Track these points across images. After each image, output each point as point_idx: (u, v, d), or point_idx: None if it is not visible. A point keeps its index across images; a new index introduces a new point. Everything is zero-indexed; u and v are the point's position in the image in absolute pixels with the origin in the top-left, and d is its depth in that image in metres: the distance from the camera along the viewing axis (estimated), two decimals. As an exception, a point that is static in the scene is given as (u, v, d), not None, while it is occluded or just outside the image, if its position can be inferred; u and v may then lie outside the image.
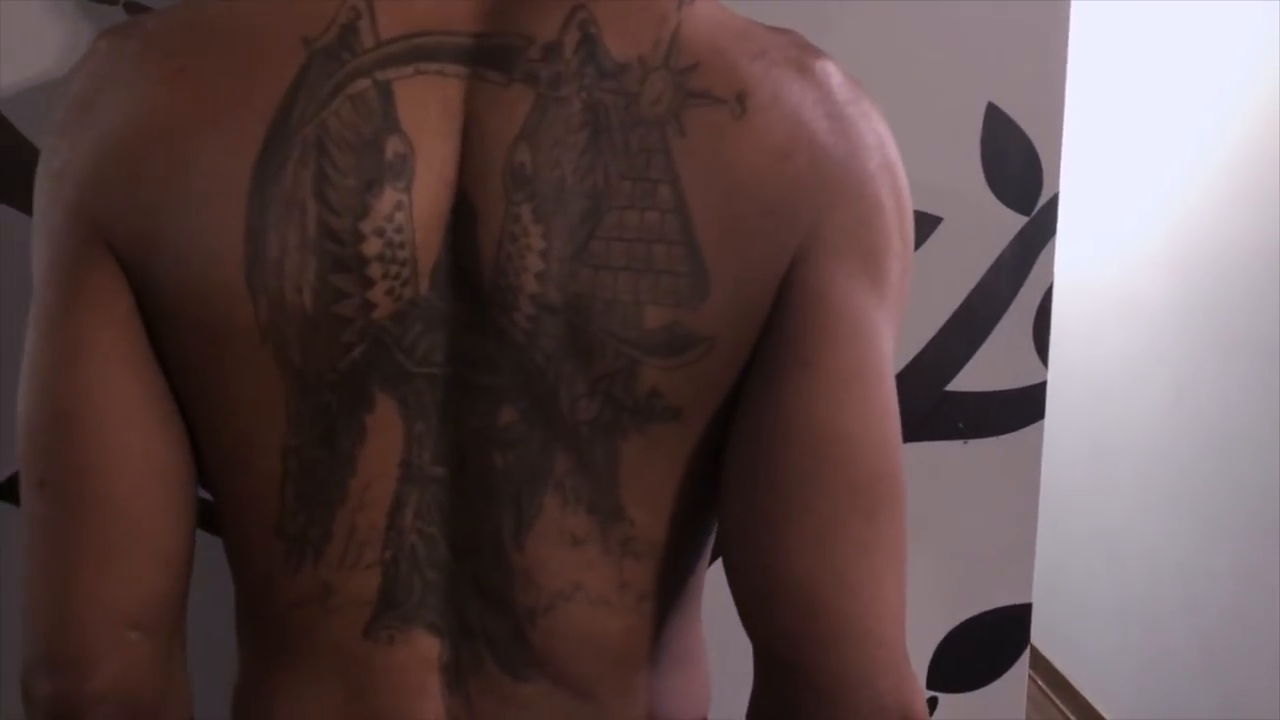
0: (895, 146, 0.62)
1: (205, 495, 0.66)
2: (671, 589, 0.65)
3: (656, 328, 0.57)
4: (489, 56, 0.57)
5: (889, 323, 0.60)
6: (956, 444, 1.02)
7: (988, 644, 1.06)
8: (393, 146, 0.57)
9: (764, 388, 0.58)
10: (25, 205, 0.94)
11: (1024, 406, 1.02)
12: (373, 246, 0.57)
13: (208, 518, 0.67)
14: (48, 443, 0.59)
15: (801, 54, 0.60)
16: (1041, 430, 1.03)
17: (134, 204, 0.57)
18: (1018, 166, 1.00)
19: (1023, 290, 1.01)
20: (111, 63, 0.60)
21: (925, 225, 0.98)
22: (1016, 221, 1.01)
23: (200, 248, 0.57)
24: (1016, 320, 1.01)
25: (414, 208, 0.57)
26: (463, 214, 0.58)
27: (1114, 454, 2.54)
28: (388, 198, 0.57)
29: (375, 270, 0.57)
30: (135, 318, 0.59)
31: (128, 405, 0.59)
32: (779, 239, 0.57)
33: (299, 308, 0.57)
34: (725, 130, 0.57)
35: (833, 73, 0.60)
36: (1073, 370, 2.61)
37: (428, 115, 0.57)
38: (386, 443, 0.60)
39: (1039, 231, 1.01)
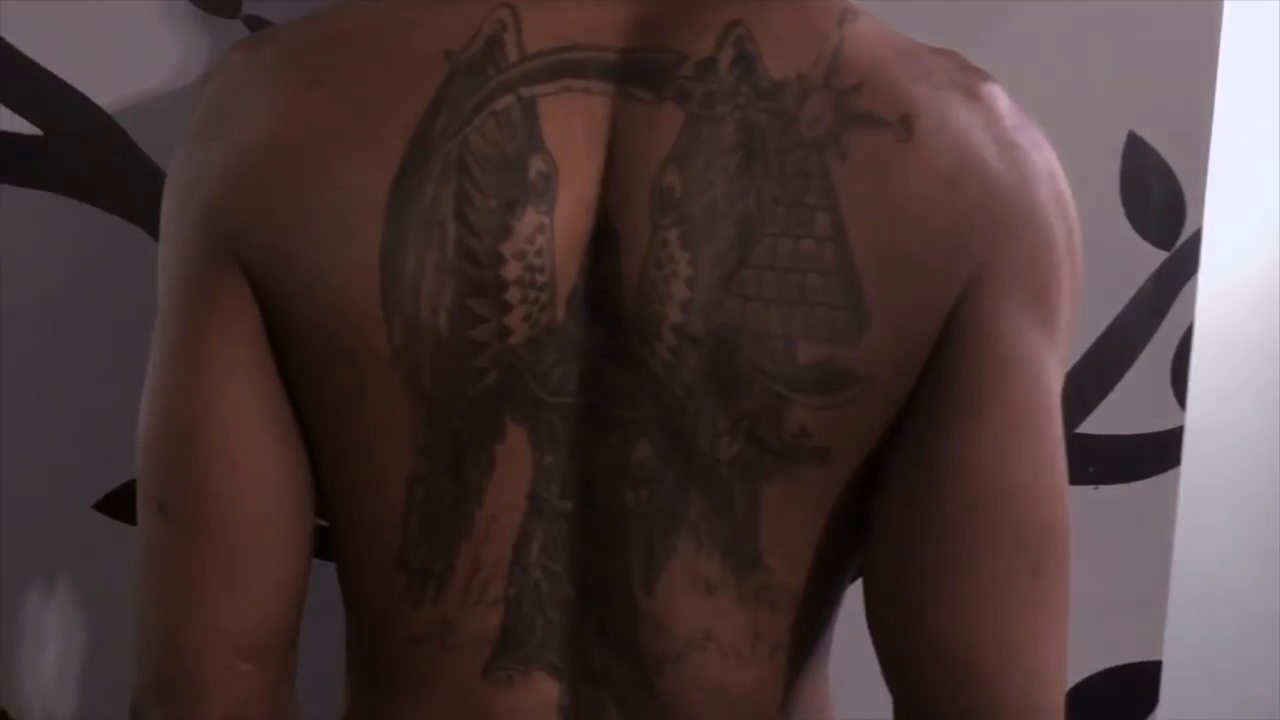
0: (1064, 177, 0.58)
1: (320, 521, 0.64)
2: (806, 641, 0.61)
3: (809, 364, 0.53)
4: (638, 73, 0.55)
5: (1059, 366, 0.55)
6: (1086, 489, 0.97)
7: (1114, 702, 1.00)
8: (536, 166, 0.54)
9: (924, 433, 0.54)
10: (141, 220, 0.94)
11: (1159, 452, 0.97)
12: (512, 270, 0.54)
13: (320, 544, 0.65)
14: (168, 463, 0.57)
15: (968, 76, 0.56)
16: (1177, 477, 0.97)
17: (266, 219, 0.55)
18: (1159, 199, 0.95)
19: (1161, 329, 0.96)
20: (246, 74, 0.58)
21: (1059, 259, 0.94)
22: (1156, 257, 0.95)
23: (334, 266, 0.54)
24: (1153, 361, 0.96)
25: (555, 230, 0.54)
26: (604, 238, 0.55)
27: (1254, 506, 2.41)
28: (529, 219, 0.54)
29: (514, 294, 0.54)
30: (262, 336, 0.57)
31: (252, 427, 0.57)
32: (945, 273, 0.54)
33: (434, 332, 0.54)
34: (889, 155, 0.53)
35: (1000, 97, 0.57)
36: (1211, 415, 2.47)
37: (572, 133, 0.54)
38: (515, 474, 0.57)
39: (1180, 268, 0.96)
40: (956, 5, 0.92)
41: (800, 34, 0.54)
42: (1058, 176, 0.57)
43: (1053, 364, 0.55)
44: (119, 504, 0.98)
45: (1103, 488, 0.97)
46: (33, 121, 0.93)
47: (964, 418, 0.53)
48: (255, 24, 0.92)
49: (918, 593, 0.54)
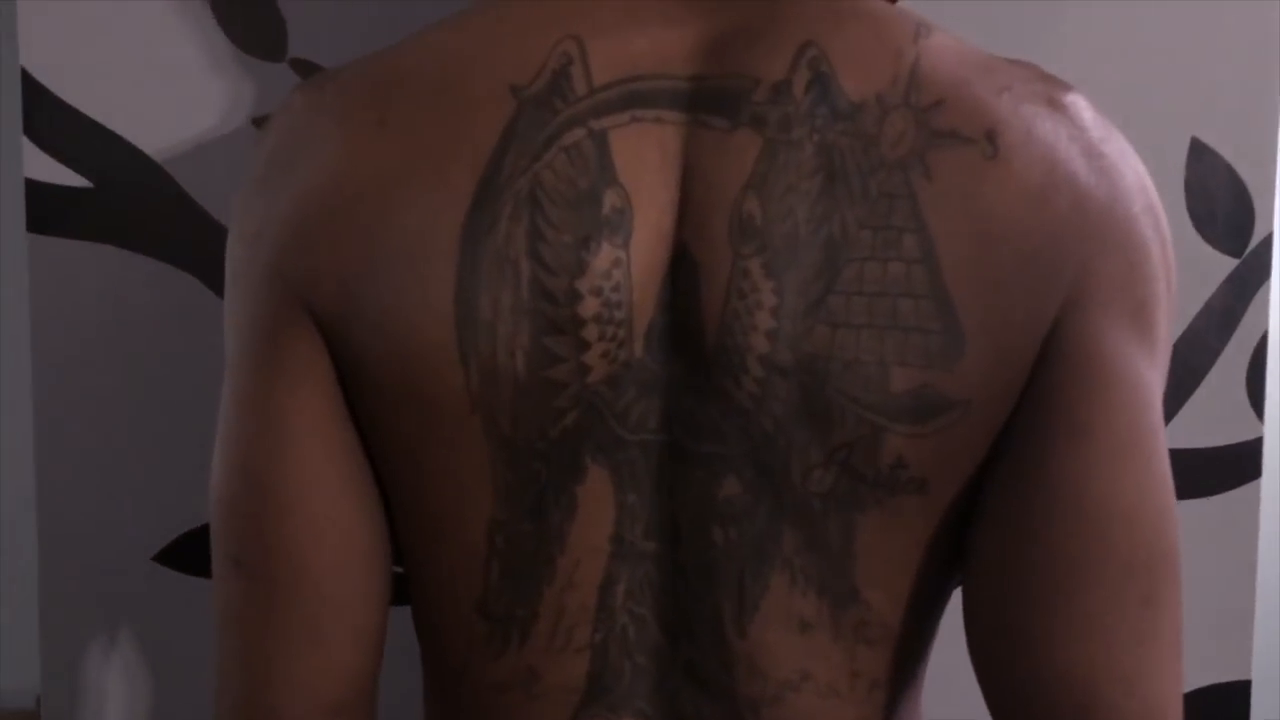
0: (1154, 187, 0.56)
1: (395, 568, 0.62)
2: (904, 677, 0.59)
3: (904, 391, 0.51)
4: (710, 100, 0.53)
5: (1160, 383, 0.53)
6: (1165, 506, 0.94)
7: (1203, 725, 0.97)
8: (610, 200, 0.53)
9: (1026, 458, 0.52)
10: (192, 267, 0.94)
11: (1238, 464, 0.94)
12: (589, 307, 0.52)
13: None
14: (244, 518, 0.56)
15: (1050, 87, 0.54)
16: (1258, 490, 0.94)
17: (335, 264, 0.54)
18: (1226, 205, 0.92)
19: (1234, 339, 0.93)
20: (308, 117, 0.57)
21: (1125, 270, 0.91)
22: (1225, 265, 0.93)
23: (406, 310, 0.53)
24: (1228, 371, 0.94)
25: (632, 264, 0.53)
26: (682, 269, 0.53)
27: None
28: (605, 254, 0.52)
29: (591, 332, 0.53)
30: (335, 384, 0.56)
31: (328, 477, 0.56)
32: (1041, 292, 0.52)
33: (511, 373, 0.53)
34: (976, 172, 0.51)
35: (1084, 107, 0.55)
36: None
37: (645, 165, 0.53)
38: (597, 516, 0.56)
39: (1251, 275, 0.93)
40: (1015, 11, 0.90)
41: (875, 52, 0.53)
42: (1148, 188, 0.55)
43: (1155, 381, 0.53)
44: (179, 555, 0.97)
45: (1181, 503, 0.94)
46: (81, 173, 0.93)
47: (1068, 441, 0.51)
48: (301, 67, 0.92)
49: (1026, 623, 0.52)
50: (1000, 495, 0.53)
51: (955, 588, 0.59)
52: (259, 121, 0.93)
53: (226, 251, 0.60)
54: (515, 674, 0.57)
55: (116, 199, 0.93)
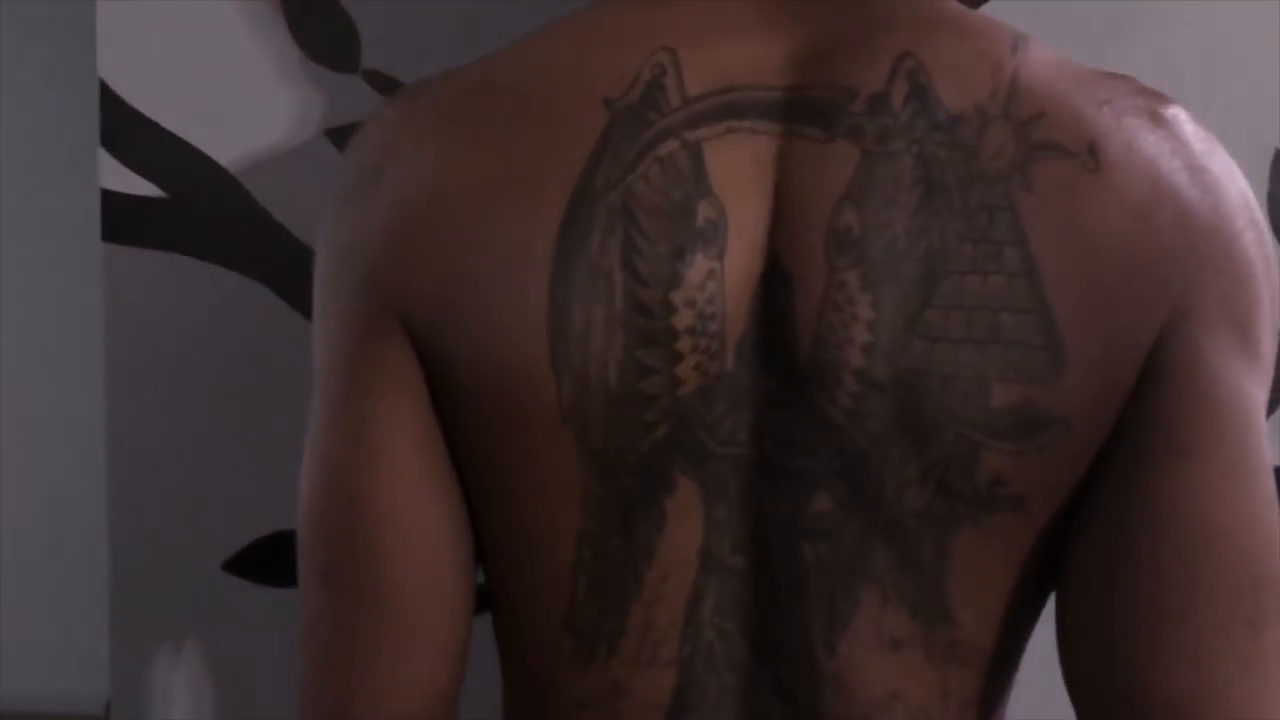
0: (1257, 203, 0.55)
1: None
2: (993, 697, 0.58)
3: (1004, 407, 0.50)
4: (806, 111, 0.53)
5: (1264, 401, 0.52)
6: None
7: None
8: (704, 211, 0.52)
9: (1129, 477, 0.51)
10: (265, 277, 0.94)
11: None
12: (683, 319, 0.52)
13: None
14: (334, 529, 0.56)
15: (1150, 100, 0.53)
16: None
17: (428, 276, 0.54)
18: (1309, 217, 0.91)
19: (1317, 354, 0.91)
20: (399, 129, 0.57)
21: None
22: (1308, 278, 0.91)
23: (499, 322, 0.53)
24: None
25: (726, 276, 0.52)
26: (775, 282, 0.53)
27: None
28: (699, 266, 0.52)
29: (685, 344, 0.52)
30: (426, 396, 0.56)
31: (418, 490, 0.56)
32: (1144, 308, 0.51)
33: (603, 386, 0.53)
34: (1078, 186, 0.50)
35: (1185, 120, 0.54)
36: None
37: (739, 176, 0.53)
38: (686, 530, 0.55)
39: (1335, 289, 0.91)
40: (1090, 20, 0.89)
41: (973, 64, 0.52)
42: (1252, 203, 0.54)
43: (1259, 399, 0.52)
44: (247, 564, 0.97)
45: None
46: (156, 183, 0.94)
47: (1173, 460, 0.50)
48: (375, 79, 0.92)
49: (1126, 646, 0.51)
50: (1100, 514, 0.52)
51: (1044, 607, 0.58)
52: (332, 133, 0.93)
53: (315, 262, 0.60)
54: (601, 689, 0.57)
55: (191, 209, 0.94)
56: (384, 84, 0.92)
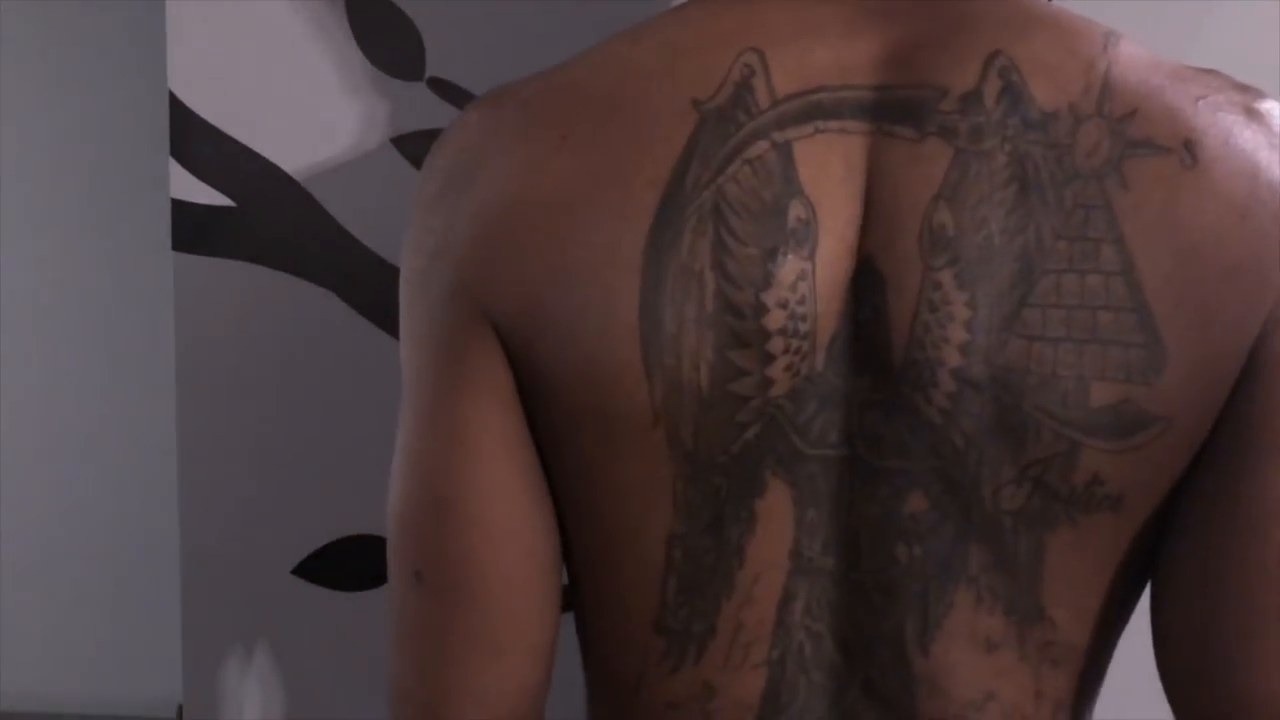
0: None
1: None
2: (1085, 697, 0.58)
3: (1103, 406, 0.50)
4: (896, 110, 0.53)
5: None
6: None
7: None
8: (795, 211, 0.52)
9: (1229, 476, 0.51)
10: (333, 284, 0.95)
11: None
12: (775, 320, 0.52)
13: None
14: (426, 532, 0.57)
15: (1244, 95, 0.53)
16: None
17: (519, 279, 0.55)
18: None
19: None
20: (485, 134, 0.58)
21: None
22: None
23: (590, 324, 0.53)
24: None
25: (817, 277, 0.52)
26: (867, 282, 0.53)
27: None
28: (791, 267, 0.52)
29: (776, 345, 0.52)
30: (516, 398, 0.57)
31: (509, 492, 0.56)
32: (1244, 307, 0.50)
33: (695, 387, 0.53)
34: (1175, 183, 0.50)
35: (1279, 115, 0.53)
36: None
37: (829, 176, 0.53)
38: (776, 531, 0.55)
39: None
40: (1151, 14, 0.89)
41: (1066, 61, 0.52)
42: None
43: None
44: (317, 568, 0.98)
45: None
46: (225, 192, 0.95)
47: (1275, 458, 0.49)
48: (440, 86, 0.93)
49: (1226, 646, 0.50)
50: (1199, 514, 0.52)
51: (1137, 605, 0.58)
52: (398, 141, 0.94)
53: (402, 267, 0.61)
54: (691, 690, 0.57)
55: (259, 217, 0.95)
56: (449, 92, 0.93)
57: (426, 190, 0.59)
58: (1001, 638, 0.54)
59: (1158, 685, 0.56)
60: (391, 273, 0.95)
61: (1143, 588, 0.57)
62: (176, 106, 0.94)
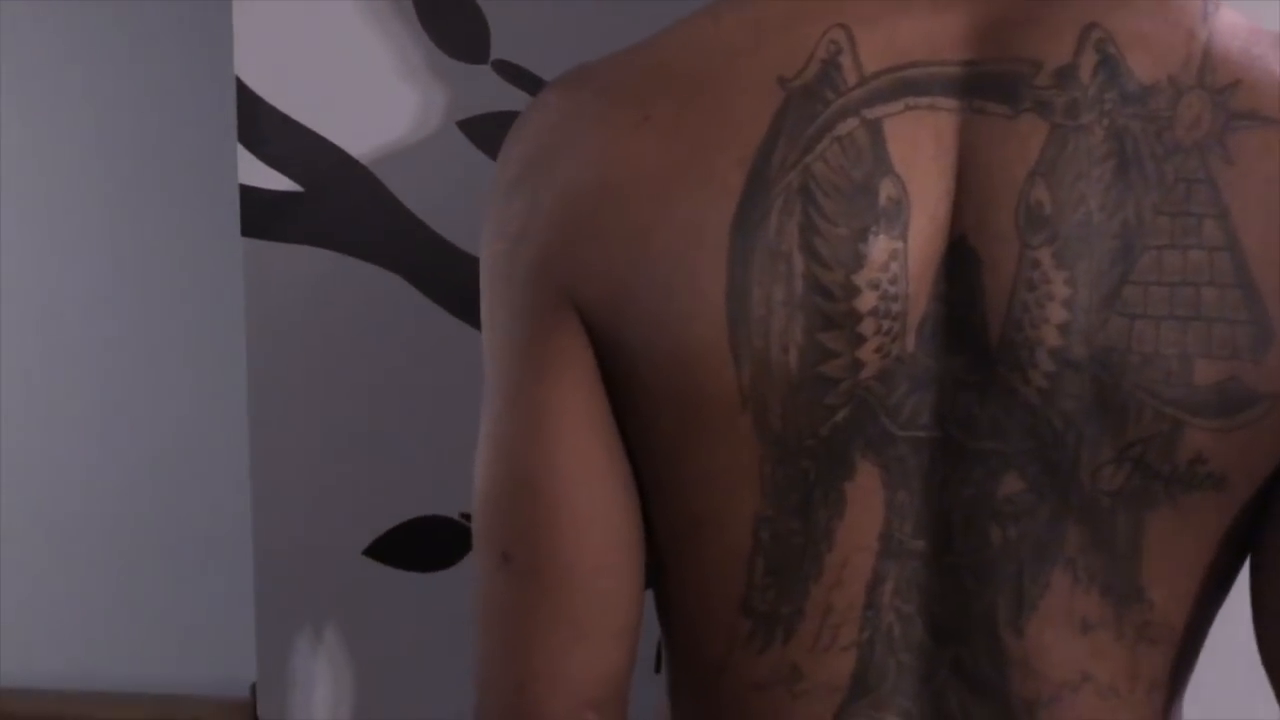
0: None
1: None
2: (1181, 677, 0.57)
3: (1207, 384, 0.49)
4: (987, 86, 0.52)
5: None
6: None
7: None
8: (886, 190, 0.52)
9: None
10: (400, 267, 0.95)
11: None
12: (867, 301, 0.52)
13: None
14: (513, 515, 0.57)
15: None
16: None
17: (603, 262, 0.54)
18: None
19: None
20: (566, 115, 0.57)
21: None
22: None
23: (676, 306, 0.53)
24: None
25: (909, 257, 0.52)
26: (961, 261, 0.52)
27: None
28: (882, 246, 0.51)
29: (868, 326, 0.52)
30: (599, 381, 0.56)
31: (594, 475, 0.56)
32: None
33: (784, 370, 0.52)
34: None
35: None
36: None
37: (920, 154, 0.52)
38: (866, 513, 0.55)
39: None
40: None
41: (1164, 32, 0.51)
42: None
43: None
44: (388, 550, 0.99)
45: None
46: (292, 178, 0.96)
47: None
48: (505, 69, 0.93)
49: None
50: None
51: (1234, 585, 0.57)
52: (463, 124, 0.94)
53: (482, 252, 0.60)
54: (778, 672, 0.57)
55: (326, 202, 0.95)
56: (514, 74, 0.93)
57: (506, 174, 0.59)
58: (1098, 618, 0.54)
59: (1253, 664, 0.55)
60: (457, 256, 0.95)
61: (1241, 566, 0.56)
62: (244, 93, 0.94)
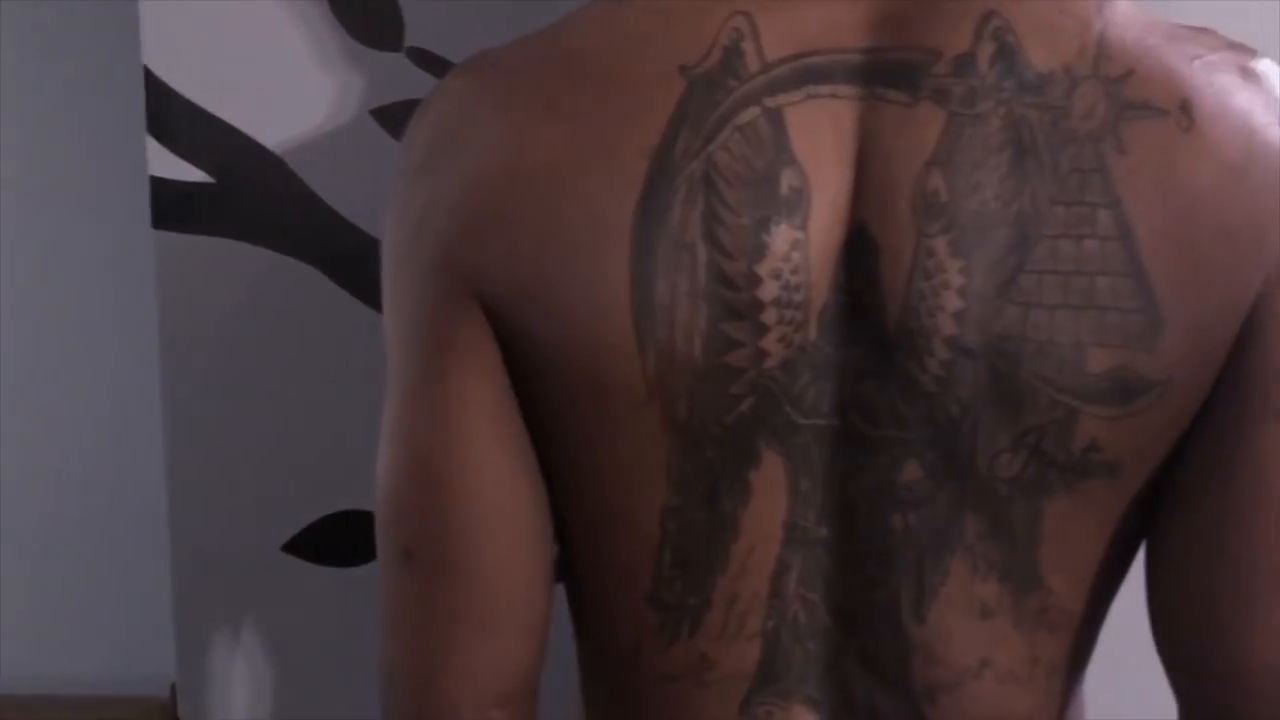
0: None
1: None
2: (1079, 662, 0.58)
3: (1101, 372, 0.50)
4: (888, 74, 0.52)
5: None
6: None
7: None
8: (787, 179, 0.52)
9: (1227, 441, 0.50)
10: (314, 259, 0.94)
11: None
12: (769, 290, 0.52)
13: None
14: (414, 509, 0.56)
15: (1239, 55, 0.52)
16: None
17: (506, 252, 0.54)
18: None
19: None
20: (467, 102, 0.56)
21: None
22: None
23: (580, 297, 0.52)
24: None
25: (810, 246, 0.52)
26: (860, 250, 0.52)
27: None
28: (784, 236, 0.51)
29: (770, 316, 0.52)
30: (504, 373, 0.56)
31: (500, 468, 0.56)
32: (1242, 269, 0.50)
33: (689, 360, 0.52)
34: (1172, 145, 0.50)
35: (1275, 74, 0.53)
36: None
37: (821, 143, 0.52)
38: (770, 502, 0.55)
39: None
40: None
41: (1060, 22, 0.51)
42: None
43: None
44: (307, 545, 0.98)
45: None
46: (204, 169, 0.94)
47: (1273, 423, 0.49)
48: (419, 56, 0.92)
49: (1227, 610, 0.50)
50: (1198, 480, 0.52)
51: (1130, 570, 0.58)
52: (377, 112, 0.93)
53: (384, 240, 0.60)
54: (686, 663, 0.57)
55: (239, 193, 0.94)
56: (428, 62, 0.92)
57: (407, 161, 0.58)
58: (997, 605, 0.54)
59: (1149, 649, 0.56)
60: (373, 246, 0.93)
61: (1137, 551, 0.57)
62: (152, 82, 0.92)
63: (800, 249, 0.52)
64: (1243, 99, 0.51)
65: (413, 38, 0.92)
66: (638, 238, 0.52)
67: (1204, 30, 0.54)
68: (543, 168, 0.53)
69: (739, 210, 0.51)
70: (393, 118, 0.92)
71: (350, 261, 0.94)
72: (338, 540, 0.97)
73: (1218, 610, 0.51)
